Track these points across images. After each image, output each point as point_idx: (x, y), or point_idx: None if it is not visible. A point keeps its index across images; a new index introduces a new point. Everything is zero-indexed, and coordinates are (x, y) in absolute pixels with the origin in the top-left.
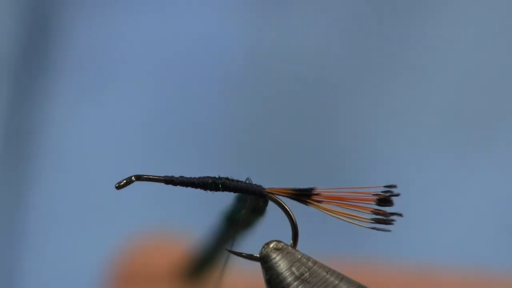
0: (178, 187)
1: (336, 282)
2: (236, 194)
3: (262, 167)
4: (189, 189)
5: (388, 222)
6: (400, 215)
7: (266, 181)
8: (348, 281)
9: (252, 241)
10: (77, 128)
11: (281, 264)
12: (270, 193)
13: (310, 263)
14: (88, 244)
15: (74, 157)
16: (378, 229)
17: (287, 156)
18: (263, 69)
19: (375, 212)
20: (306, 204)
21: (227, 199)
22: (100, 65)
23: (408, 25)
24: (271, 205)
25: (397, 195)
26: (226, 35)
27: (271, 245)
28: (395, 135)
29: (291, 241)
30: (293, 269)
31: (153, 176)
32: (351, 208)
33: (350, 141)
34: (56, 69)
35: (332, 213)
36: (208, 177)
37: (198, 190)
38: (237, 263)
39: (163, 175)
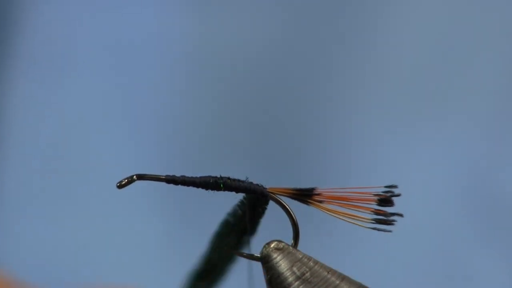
0: (180, 186)
1: (337, 282)
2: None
3: (262, 167)
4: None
5: (389, 222)
6: (401, 215)
7: (266, 181)
8: (349, 281)
9: (252, 241)
10: (34, 119)
11: (282, 264)
12: (271, 192)
13: (311, 263)
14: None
15: (30, 150)
16: (378, 230)
17: (288, 156)
18: (261, 68)
19: (376, 212)
20: (307, 204)
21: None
22: (56, 55)
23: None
24: (272, 205)
25: (398, 195)
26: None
27: (272, 245)
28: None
29: (292, 241)
30: (294, 269)
31: (155, 175)
32: (352, 208)
33: (350, 141)
34: (12, 59)
35: (333, 213)
36: (209, 176)
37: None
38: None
39: (164, 174)
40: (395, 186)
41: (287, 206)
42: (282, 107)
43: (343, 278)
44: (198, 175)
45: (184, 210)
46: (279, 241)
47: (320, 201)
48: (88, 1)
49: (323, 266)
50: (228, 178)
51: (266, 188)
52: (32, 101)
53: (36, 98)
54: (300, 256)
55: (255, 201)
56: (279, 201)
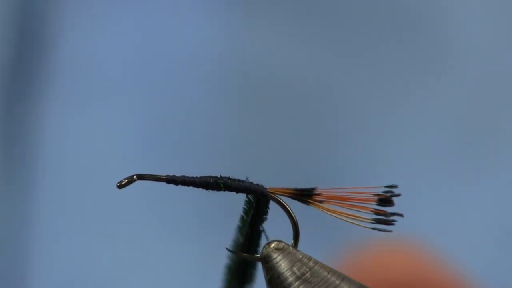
0: (180, 186)
1: (337, 282)
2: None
3: (263, 167)
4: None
5: (389, 222)
6: (401, 215)
7: (266, 181)
8: (349, 281)
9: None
10: (70, 133)
11: (282, 264)
12: (272, 192)
13: (311, 263)
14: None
15: (69, 163)
16: (379, 229)
17: (288, 156)
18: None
19: (376, 212)
20: (308, 204)
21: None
22: (91, 70)
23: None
24: (272, 205)
25: (398, 195)
26: (216, 39)
27: (272, 245)
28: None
29: (292, 241)
30: (294, 269)
31: (155, 175)
32: (352, 208)
33: (350, 141)
34: (47, 76)
35: (333, 213)
36: (209, 176)
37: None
38: None
39: (164, 174)
40: (395, 186)
41: (287, 206)
42: (282, 107)
43: (343, 278)
44: (198, 175)
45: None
46: (279, 241)
47: (320, 201)
48: (113, 22)
49: (323, 266)
50: (228, 178)
51: (266, 188)
52: (64, 123)
53: (68, 120)
54: (300, 256)
55: (257, 203)
56: (279, 201)
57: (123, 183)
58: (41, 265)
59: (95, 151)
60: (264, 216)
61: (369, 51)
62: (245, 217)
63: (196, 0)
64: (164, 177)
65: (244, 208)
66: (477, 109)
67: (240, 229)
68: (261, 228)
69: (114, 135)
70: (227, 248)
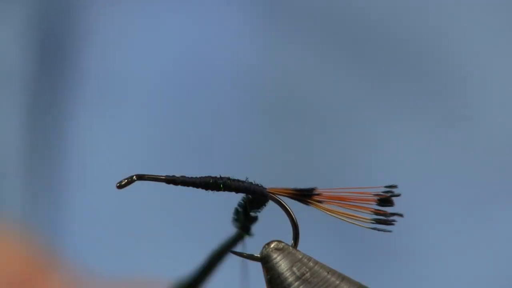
0: (180, 186)
1: (337, 282)
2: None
3: (263, 167)
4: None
5: (389, 222)
6: (401, 215)
7: (266, 181)
8: (349, 281)
9: (253, 241)
10: (95, 144)
11: (282, 264)
12: (271, 193)
13: (311, 263)
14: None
15: (94, 171)
16: (379, 230)
17: (288, 156)
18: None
19: (376, 212)
20: (307, 204)
21: None
22: (117, 82)
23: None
24: (272, 205)
25: (398, 195)
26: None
27: (272, 245)
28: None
29: (292, 241)
30: (294, 269)
31: (154, 175)
32: (352, 208)
33: (350, 141)
34: (70, 84)
35: (333, 213)
36: (209, 176)
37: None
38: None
39: (164, 174)
40: (395, 186)
41: (287, 206)
42: (282, 107)
43: (343, 278)
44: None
45: None
46: (279, 241)
47: (320, 201)
48: (141, 34)
49: (323, 266)
50: (228, 178)
51: (266, 188)
52: (91, 132)
53: (95, 130)
54: (300, 256)
55: (252, 201)
56: (279, 201)
57: (123, 183)
58: None
59: (120, 162)
60: (257, 211)
61: (393, 88)
62: (239, 209)
63: (229, 14)
64: (163, 177)
65: (240, 202)
66: (497, 156)
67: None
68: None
69: (139, 145)
70: (228, 249)
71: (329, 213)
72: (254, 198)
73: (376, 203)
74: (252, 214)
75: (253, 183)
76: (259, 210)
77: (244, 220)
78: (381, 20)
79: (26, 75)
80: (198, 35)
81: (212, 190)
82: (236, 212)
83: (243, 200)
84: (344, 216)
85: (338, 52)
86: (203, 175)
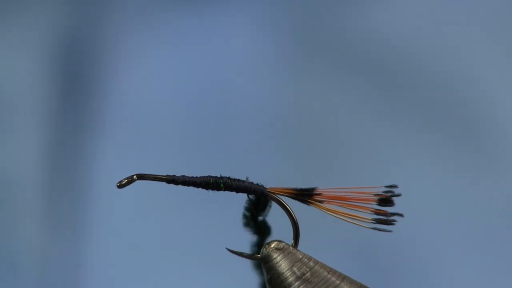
0: (180, 186)
1: (338, 282)
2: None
3: (263, 167)
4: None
5: (389, 222)
6: (401, 215)
7: (266, 181)
8: (350, 281)
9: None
10: (119, 170)
11: (282, 264)
12: (272, 192)
13: (311, 263)
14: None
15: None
16: (379, 229)
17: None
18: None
19: (376, 212)
20: (308, 204)
21: None
22: (139, 109)
23: None
24: (272, 204)
25: (398, 195)
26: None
27: (272, 245)
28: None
29: (292, 241)
30: (294, 269)
31: (155, 175)
32: (352, 208)
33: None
34: (96, 113)
35: (334, 213)
36: (210, 176)
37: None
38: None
39: (164, 174)
40: (395, 186)
41: (287, 206)
42: (283, 107)
43: (344, 278)
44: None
45: None
46: (279, 241)
47: (321, 201)
48: (162, 60)
49: (323, 266)
50: (229, 178)
51: (266, 188)
52: (119, 162)
53: (123, 160)
54: (301, 256)
55: (255, 203)
56: (279, 201)
57: (123, 182)
58: None
59: (143, 189)
60: (263, 212)
61: (423, 133)
62: (247, 213)
63: (252, 47)
64: (164, 177)
65: (245, 206)
66: None
67: (246, 225)
68: (260, 222)
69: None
70: (227, 248)
71: (330, 213)
72: (257, 200)
73: (376, 203)
74: (260, 218)
75: (254, 183)
76: (265, 212)
77: (255, 225)
78: (414, 55)
79: (48, 106)
80: (222, 64)
81: (212, 189)
82: (245, 217)
83: (246, 203)
84: (344, 216)
85: (369, 94)
86: (203, 175)
